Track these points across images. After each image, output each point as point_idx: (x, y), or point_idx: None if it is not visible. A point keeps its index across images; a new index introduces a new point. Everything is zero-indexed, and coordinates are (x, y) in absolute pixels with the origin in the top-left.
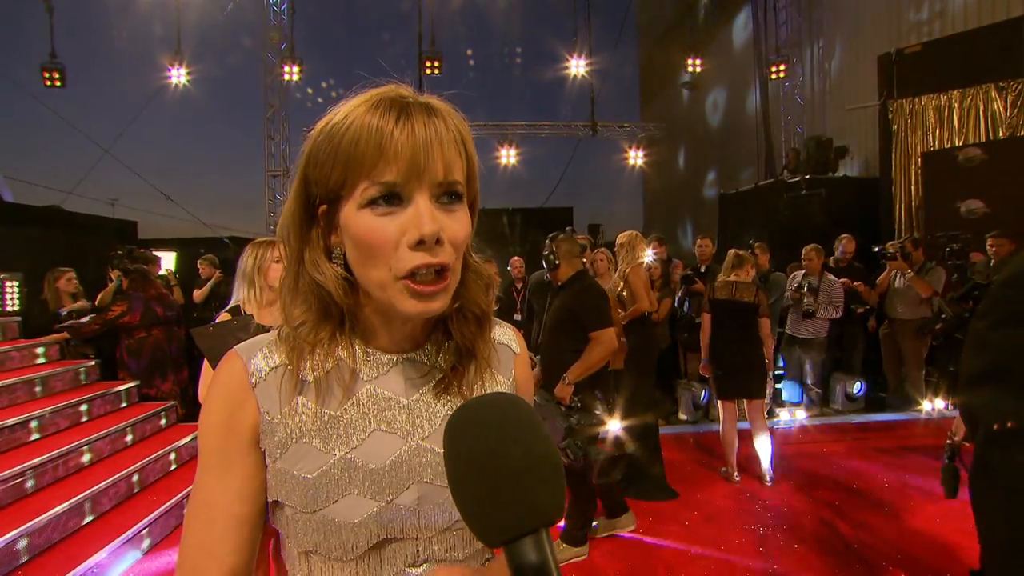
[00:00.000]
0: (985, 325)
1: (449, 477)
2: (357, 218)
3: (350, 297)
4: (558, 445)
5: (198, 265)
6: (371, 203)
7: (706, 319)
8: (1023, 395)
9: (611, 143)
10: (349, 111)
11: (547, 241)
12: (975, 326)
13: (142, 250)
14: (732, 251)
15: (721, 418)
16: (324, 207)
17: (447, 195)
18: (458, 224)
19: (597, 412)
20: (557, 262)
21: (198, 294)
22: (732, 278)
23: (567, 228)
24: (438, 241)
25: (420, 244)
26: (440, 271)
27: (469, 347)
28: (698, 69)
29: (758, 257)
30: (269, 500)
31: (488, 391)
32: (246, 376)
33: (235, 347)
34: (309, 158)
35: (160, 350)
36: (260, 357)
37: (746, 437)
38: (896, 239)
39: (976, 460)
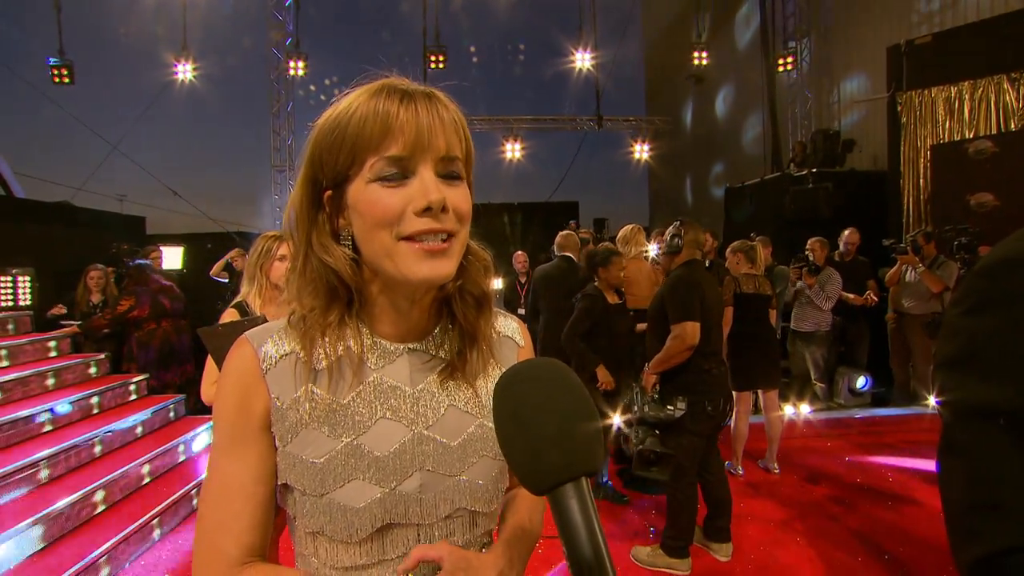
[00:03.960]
0: (958, 312)
1: (497, 433)
2: (366, 191)
3: (358, 276)
4: (631, 428)
5: (234, 258)
6: (379, 177)
7: (729, 313)
8: (988, 378)
9: (617, 137)
10: (353, 100)
11: (676, 223)
12: (949, 313)
13: (126, 246)
14: (743, 244)
15: (735, 410)
16: (330, 192)
17: (449, 173)
18: (461, 196)
19: (669, 407)
20: (681, 245)
21: (215, 269)
22: (752, 271)
23: (570, 222)
24: (444, 209)
25: (426, 211)
26: (445, 238)
27: (472, 331)
28: (704, 62)
29: (760, 250)
30: (279, 483)
31: (490, 382)
32: (257, 362)
33: (245, 334)
34: (315, 146)
35: (168, 342)
36: (271, 344)
37: (753, 430)
38: (905, 233)
39: (942, 438)
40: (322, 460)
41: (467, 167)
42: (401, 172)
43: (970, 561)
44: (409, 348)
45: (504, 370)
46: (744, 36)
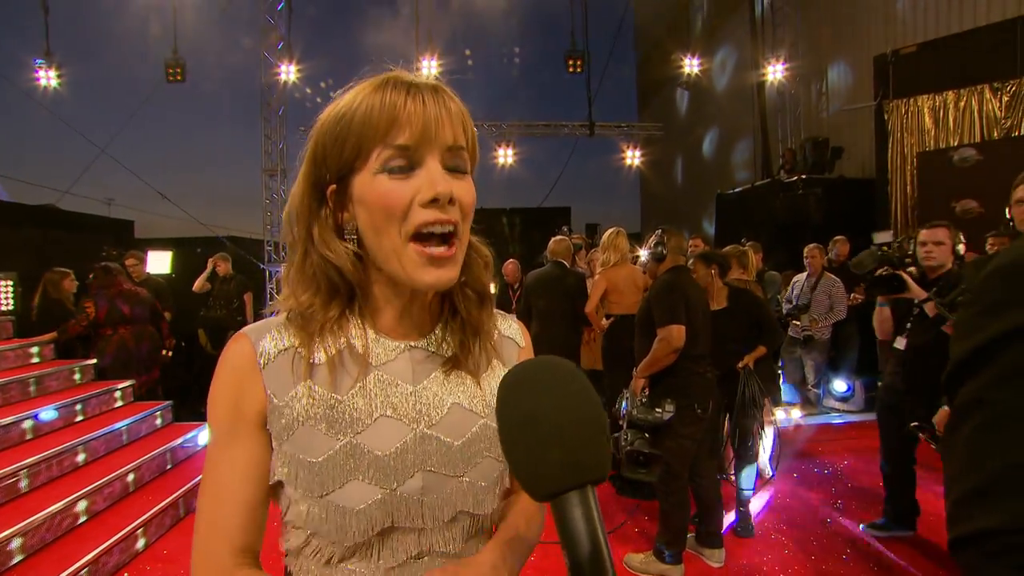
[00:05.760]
0: (974, 312)
1: (500, 434)
2: (373, 183)
3: (360, 272)
4: (622, 432)
5: (216, 263)
6: (386, 169)
7: None
8: (1007, 380)
9: (609, 143)
10: (357, 93)
11: (658, 232)
12: (963, 314)
13: (115, 251)
14: (735, 249)
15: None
16: (334, 187)
17: (455, 166)
18: (466, 189)
19: (658, 410)
20: (664, 253)
21: (197, 284)
22: (744, 276)
23: (562, 227)
24: (450, 201)
25: (433, 203)
26: (448, 236)
27: (475, 323)
28: (695, 69)
29: (752, 255)
30: (273, 481)
31: (493, 379)
32: (254, 357)
33: (244, 328)
34: (318, 141)
35: (124, 349)
36: (269, 339)
37: None
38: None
39: (949, 423)
40: (320, 459)
41: (472, 160)
42: (408, 163)
43: (962, 535)
44: (411, 345)
45: (503, 369)
46: (734, 44)
